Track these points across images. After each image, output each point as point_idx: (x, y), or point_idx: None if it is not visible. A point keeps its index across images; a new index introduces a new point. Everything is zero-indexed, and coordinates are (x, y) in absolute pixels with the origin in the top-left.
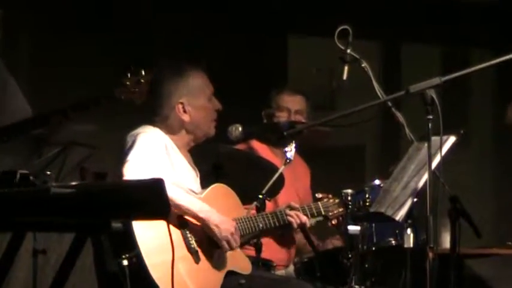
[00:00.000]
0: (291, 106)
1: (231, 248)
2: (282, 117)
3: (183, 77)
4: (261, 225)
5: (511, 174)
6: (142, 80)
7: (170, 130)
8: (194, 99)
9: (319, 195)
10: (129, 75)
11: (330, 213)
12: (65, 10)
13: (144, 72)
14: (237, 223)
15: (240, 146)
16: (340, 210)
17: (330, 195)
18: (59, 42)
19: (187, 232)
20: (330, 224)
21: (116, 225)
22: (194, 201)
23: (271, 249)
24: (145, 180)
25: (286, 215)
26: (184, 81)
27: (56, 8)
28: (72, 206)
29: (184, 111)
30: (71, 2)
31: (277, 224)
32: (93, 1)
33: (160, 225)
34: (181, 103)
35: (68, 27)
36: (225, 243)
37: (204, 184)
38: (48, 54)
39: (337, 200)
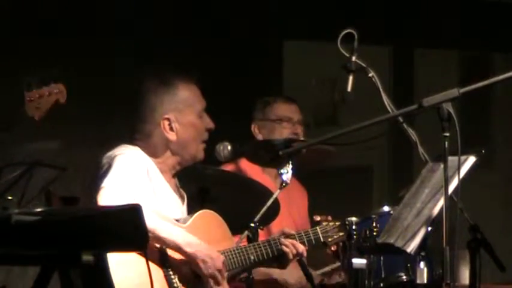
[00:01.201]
0: (293, 115)
1: (217, 285)
2: (285, 129)
3: (170, 89)
4: (252, 257)
5: None
6: (42, 95)
7: (153, 150)
8: (182, 115)
9: (317, 218)
10: (33, 90)
11: (330, 239)
12: None
13: (45, 86)
14: (225, 256)
15: (228, 167)
16: (341, 234)
17: (329, 217)
18: None
19: (170, 270)
20: (328, 250)
21: (87, 257)
22: (178, 233)
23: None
24: (120, 206)
25: (281, 244)
26: (171, 94)
27: None
28: (36, 236)
29: (171, 129)
30: None
31: (270, 254)
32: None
33: (139, 261)
34: (167, 119)
35: None
36: (211, 281)
37: (189, 210)
38: None
39: (337, 223)
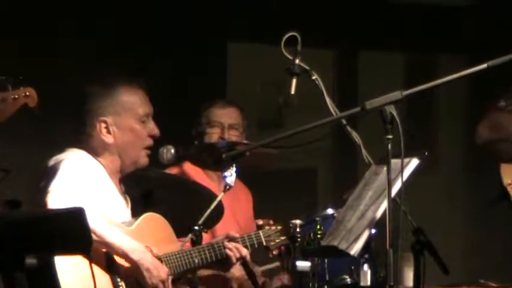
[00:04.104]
0: (224, 120)
1: None
2: (214, 133)
3: (110, 92)
4: (196, 260)
5: (484, 203)
6: (7, 98)
7: (95, 152)
8: (120, 119)
9: (259, 222)
10: None
11: (272, 243)
12: None
13: (11, 89)
14: (170, 259)
15: (172, 170)
16: (282, 239)
17: (271, 221)
18: None
19: (116, 276)
20: (270, 254)
21: (31, 261)
22: (125, 240)
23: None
24: (63, 209)
25: (224, 247)
26: (111, 98)
27: None
28: None
29: (108, 132)
30: None
31: (214, 258)
32: None
33: (86, 265)
34: (104, 121)
35: None
36: None
37: (132, 213)
38: None
39: (279, 227)
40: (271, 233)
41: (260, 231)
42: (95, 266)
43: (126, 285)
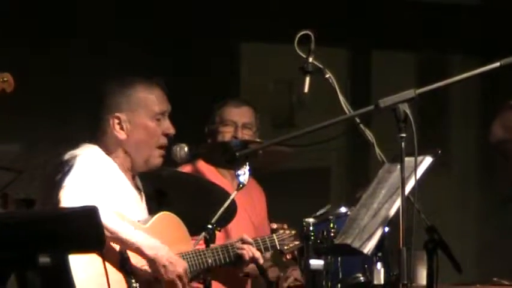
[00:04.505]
0: (237, 119)
1: None
2: (227, 132)
3: (127, 89)
4: (210, 260)
5: (497, 201)
6: None
7: (108, 148)
8: (134, 115)
9: (273, 226)
10: None
11: (286, 247)
12: None
13: None
14: (183, 258)
15: (185, 168)
16: (296, 243)
17: (285, 226)
18: None
19: (130, 273)
20: (284, 258)
21: (44, 259)
22: (140, 236)
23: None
24: (75, 208)
25: (238, 248)
26: (127, 94)
27: None
28: None
29: (121, 128)
30: None
31: (227, 259)
32: None
33: (99, 263)
34: (118, 117)
35: None
36: (169, 287)
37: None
38: None
39: (293, 232)
40: (285, 237)
41: (274, 235)
42: (108, 264)
43: (139, 283)
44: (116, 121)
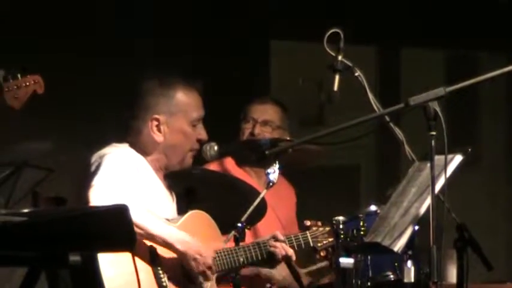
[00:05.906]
0: (257, 116)
1: (207, 281)
2: (247, 129)
3: (167, 91)
4: (241, 259)
5: None
6: (20, 86)
7: (143, 148)
8: (173, 119)
9: (307, 223)
10: (10, 80)
11: (319, 244)
12: None
13: (21, 77)
14: (216, 256)
15: (213, 166)
16: (330, 240)
17: (320, 223)
18: None
19: (159, 269)
20: (318, 255)
21: (74, 258)
22: (169, 230)
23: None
24: (106, 206)
25: (270, 246)
26: (167, 97)
27: None
28: (23, 237)
29: (159, 130)
30: None
31: (259, 257)
32: None
33: (128, 260)
34: (157, 119)
35: None
36: (200, 278)
37: (177, 211)
38: None
39: (327, 229)
40: (318, 234)
41: (307, 232)
42: (137, 260)
43: (168, 278)
44: (155, 123)
